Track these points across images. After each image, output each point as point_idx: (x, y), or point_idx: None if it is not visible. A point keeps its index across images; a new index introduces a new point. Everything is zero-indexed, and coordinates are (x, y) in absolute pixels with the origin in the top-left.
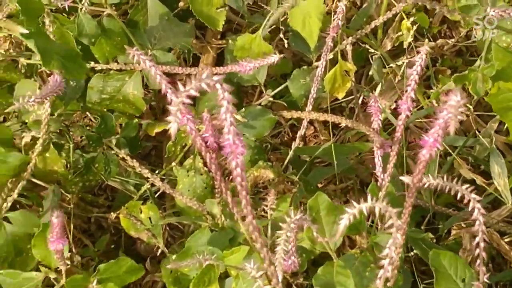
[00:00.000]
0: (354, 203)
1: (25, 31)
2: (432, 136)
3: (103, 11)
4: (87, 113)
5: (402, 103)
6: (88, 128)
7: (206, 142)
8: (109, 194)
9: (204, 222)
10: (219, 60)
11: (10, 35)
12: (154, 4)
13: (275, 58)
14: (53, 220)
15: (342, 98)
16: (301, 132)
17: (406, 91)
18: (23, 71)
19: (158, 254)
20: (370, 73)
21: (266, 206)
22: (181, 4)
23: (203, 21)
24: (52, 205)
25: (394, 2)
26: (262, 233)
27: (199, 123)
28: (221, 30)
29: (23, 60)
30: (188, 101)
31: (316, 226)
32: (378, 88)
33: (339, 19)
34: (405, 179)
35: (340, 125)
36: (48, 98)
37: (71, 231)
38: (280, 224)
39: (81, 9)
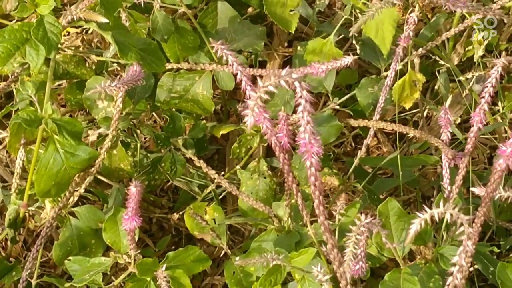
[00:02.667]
0: (426, 208)
1: (106, 20)
2: (510, 146)
3: (176, 10)
4: (153, 113)
5: (475, 115)
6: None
7: (280, 142)
8: (171, 196)
9: (270, 225)
10: (285, 68)
11: (82, 31)
12: (225, 8)
13: (349, 59)
14: (132, 190)
15: (406, 111)
16: (367, 141)
17: (479, 103)
18: (93, 68)
19: (219, 256)
20: (436, 87)
21: (335, 211)
22: (249, 9)
23: (277, 22)
24: (116, 203)
25: (466, 14)
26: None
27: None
28: (293, 32)
29: (94, 57)
30: (266, 96)
31: (386, 231)
32: (449, 101)
33: (410, 29)
34: (477, 190)
35: (403, 137)
36: (126, 87)
37: None
38: (350, 227)
39: (160, 6)
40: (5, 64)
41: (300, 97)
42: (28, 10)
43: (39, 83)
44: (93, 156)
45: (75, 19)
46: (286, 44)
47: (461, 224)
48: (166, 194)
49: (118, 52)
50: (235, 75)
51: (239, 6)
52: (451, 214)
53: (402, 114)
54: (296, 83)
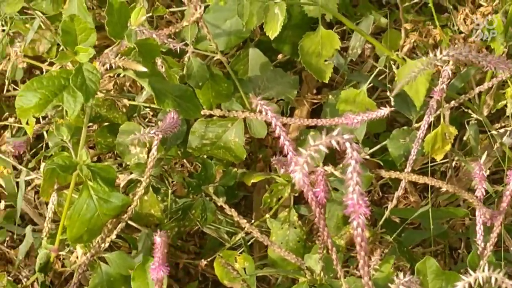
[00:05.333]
0: (470, 271)
1: (144, 69)
2: None
3: (207, 56)
4: (184, 160)
5: (511, 173)
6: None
7: (316, 197)
8: (197, 241)
9: (302, 277)
10: (313, 116)
11: (114, 75)
12: (256, 55)
13: (384, 111)
14: (157, 240)
15: (434, 161)
16: (398, 193)
17: None
18: (124, 111)
19: None
20: (465, 137)
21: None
22: (279, 56)
23: (311, 72)
24: (145, 248)
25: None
26: None
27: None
28: (327, 82)
29: (126, 101)
30: (317, 155)
31: None
32: (484, 156)
33: (444, 83)
34: None
35: (431, 188)
36: (163, 134)
37: None
38: (389, 284)
39: (192, 52)
40: (42, 110)
41: (351, 157)
42: (68, 58)
43: (74, 128)
44: (126, 203)
45: (113, 67)
46: (314, 91)
47: None
48: (192, 239)
49: (155, 99)
50: (268, 124)
51: (270, 53)
52: (496, 279)
53: (431, 165)
54: (347, 144)
